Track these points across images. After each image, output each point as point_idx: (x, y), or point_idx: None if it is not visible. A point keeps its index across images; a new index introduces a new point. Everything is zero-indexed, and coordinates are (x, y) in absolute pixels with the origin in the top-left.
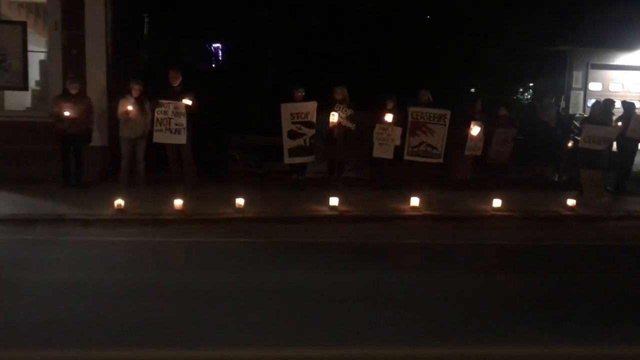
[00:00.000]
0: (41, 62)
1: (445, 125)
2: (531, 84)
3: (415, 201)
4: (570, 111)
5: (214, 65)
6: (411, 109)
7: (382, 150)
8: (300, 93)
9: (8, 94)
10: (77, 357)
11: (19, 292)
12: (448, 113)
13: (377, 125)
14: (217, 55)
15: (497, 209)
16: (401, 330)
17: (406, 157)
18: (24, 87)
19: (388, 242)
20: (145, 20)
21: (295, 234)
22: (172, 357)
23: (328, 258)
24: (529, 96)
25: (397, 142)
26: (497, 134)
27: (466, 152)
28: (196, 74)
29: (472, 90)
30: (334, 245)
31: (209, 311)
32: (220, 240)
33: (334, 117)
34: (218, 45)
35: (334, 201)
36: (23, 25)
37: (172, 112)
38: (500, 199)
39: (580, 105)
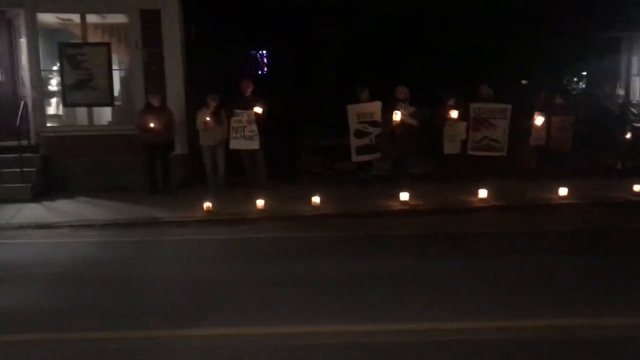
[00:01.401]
0: (122, 79)
1: (506, 119)
2: (584, 72)
3: (483, 193)
4: (630, 98)
5: (259, 72)
6: (472, 105)
7: (451, 146)
8: (365, 94)
9: (95, 111)
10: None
11: (152, 285)
12: (509, 107)
13: (446, 123)
14: (262, 62)
15: (564, 197)
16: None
17: (470, 152)
18: (110, 103)
19: (464, 232)
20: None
21: (373, 228)
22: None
23: (411, 248)
24: (583, 84)
25: (463, 136)
26: (554, 122)
27: (531, 143)
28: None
29: (524, 82)
30: (411, 237)
31: (333, 295)
32: (304, 235)
33: (397, 116)
34: (263, 51)
35: (404, 196)
36: (108, 46)
37: (246, 120)
38: (566, 187)
39: (638, 92)
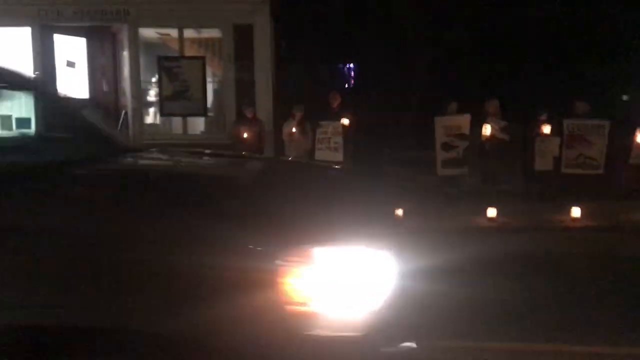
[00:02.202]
0: (214, 91)
1: (604, 135)
2: None
3: (576, 212)
4: None
5: (346, 86)
6: (566, 122)
7: (543, 163)
8: (453, 106)
9: (188, 121)
10: None
11: None
12: (606, 123)
13: (537, 138)
14: (351, 76)
15: None
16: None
17: (564, 170)
18: (204, 113)
19: (555, 253)
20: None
21: (457, 247)
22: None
23: (500, 272)
24: None
25: (556, 152)
26: None
27: (630, 161)
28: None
29: (625, 97)
30: (497, 258)
31: None
32: None
33: (486, 129)
34: (351, 65)
35: (491, 212)
36: (203, 59)
37: (332, 131)
38: None
39: None
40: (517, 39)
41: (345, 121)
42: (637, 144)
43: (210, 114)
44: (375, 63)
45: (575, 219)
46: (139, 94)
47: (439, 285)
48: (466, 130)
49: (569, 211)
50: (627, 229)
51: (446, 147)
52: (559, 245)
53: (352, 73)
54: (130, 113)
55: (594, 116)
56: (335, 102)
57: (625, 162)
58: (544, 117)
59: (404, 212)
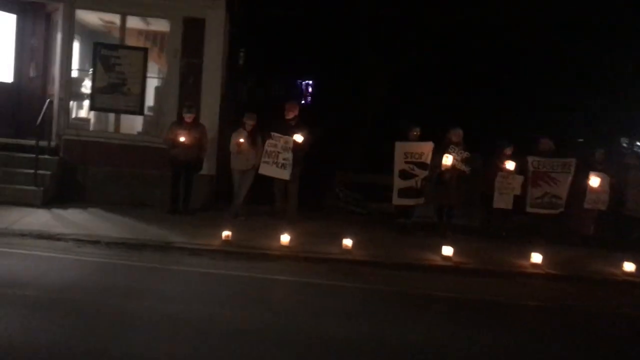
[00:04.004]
0: (156, 89)
1: (570, 173)
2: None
3: (536, 257)
4: None
5: (302, 102)
6: (531, 159)
7: (503, 200)
8: (416, 132)
9: (123, 118)
10: None
11: (132, 323)
12: (573, 161)
13: (499, 174)
14: (307, 91)
15: (630, 274)
16: None
17: (529, 210)
18: (140, 111)
19: (509, 302)
20: (241, 53)
21: (407, 284)
22: None
23: (448, 314)
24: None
25: (518, 191)
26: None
27: (585, 205)
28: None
29: (581, 140)
30: (448, 300)
31: None
32: (329, 283)
33: (448, 159)
34: (308, 81)
35: (447, 251)
36: (145, 51)
37: (282, 146)
38: (635, 262)
39: None
40: (487, 63)
41: (298, 138)
42: (592, 187)
43: (149, 113)
44: (331, 80)
45: (534, 265)
46: (69, 82)
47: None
48: (427, 158)
49: (527, 255)
50: (588, 279)
51: (404, 174)
52: (513, 292)
53: (307, 89)
54: (56, 103)
55: (556, 155)
56: (292, 114)
57: (581, 205)
58: (508, 151)
59: (354, 243)
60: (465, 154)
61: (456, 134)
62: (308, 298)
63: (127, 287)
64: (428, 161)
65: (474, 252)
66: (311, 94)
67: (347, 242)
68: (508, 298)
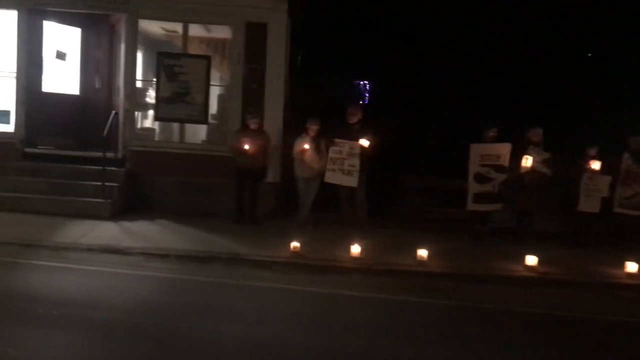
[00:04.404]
0: (219, 97)
1: None
2: None
3: (632, 266)
4: None
5: (361, 102)
6: (626, 156)
7: (589, 203)
8: (492, 133)
9: (187, 128)
10: None
11: (203, 344)
12: None
13: (584, 175)
14: (365, 93)
15: None
16: None
17: (617, 210)
18: (204, 120)
19: (605, 319)
20: (299, 56)
21: (491, 299)
22: None
23: (541, 335)
24: None
25: (605, 193)
26: None
27: None
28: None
29: None
30: (537, 317)
31: None
32: (405, 299)
33: (527, 161)
34: (365, 82)
35: (531, 260)
36: (207, 59)
37: (347, 152)
38: None
39: None
40: (572, 59)
41: (364, 142)
42: None
43: (213, 121)
44: (394, 80)
45: (630, 275)
46: (133, 93)
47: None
48: (505, 161)
49: (620, 263)
50: None
51: (480, 178)
52: (611, 308)
53: (367, 90)
54: (121, 114)
55: None
56: (355, 118)
57: None
58: (593, 151)
59: (429, 254)
60: (546, 155)
61: (536, 134)
62: (382, 317)
63: (200, 305)
64: (506, 164)
65: (559, 261)
66: (369, 95)
67: (422, 253)
68: (604, 314)
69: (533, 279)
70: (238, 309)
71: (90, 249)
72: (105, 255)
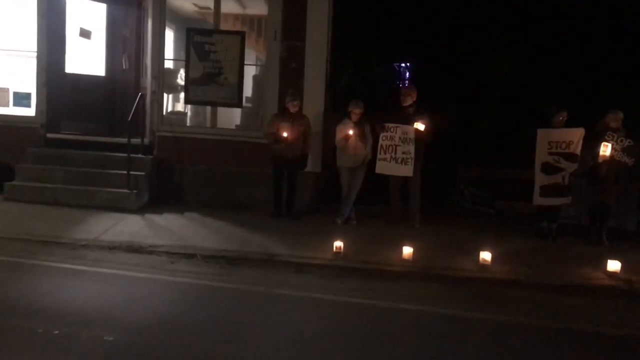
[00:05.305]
0: (254, 78)
1: None
2: None
3: None
4: None
5: (399, 85)
6: None
7: None
8: (562, 117)
9: (220, 112)
10: None
11: None
12: None
13: None
14: (404, 75)
15: None
16: None
17: None
18: (239, 103)
19: None
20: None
21: (570, 314)
22: None
23: None
24: None
25: None
26: None
27: None
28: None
29: None
30: (625, 341)
31: None
32: (471, 316)
33: (606, 149)
34: (405, 64)
35: (614, 265)
36: (242, 35)
37: (400, 138)
38: None
39: None
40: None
41: (420, 126)
42: None
43: (247, 105)
44: (441, 60)
45: None
46: (162, 74)
47: None
48: (577, 148)
49: None
50: None
51: (548, 168)
52: None
53: (407, 72)
54: (148, 97)
55: None
56: (410, 100)
57: None
58: None
59: (492, 257)
60: (628, 142)
61: (615, 118)
62: (440, 340)
63: (226, 323)
64: (577, 152)
65: None
66: (410, 78)
67: (485, 256)
68: None
69: (619, 289)
70: (266, 328)
71: (111, 247)
72: (127, 255)
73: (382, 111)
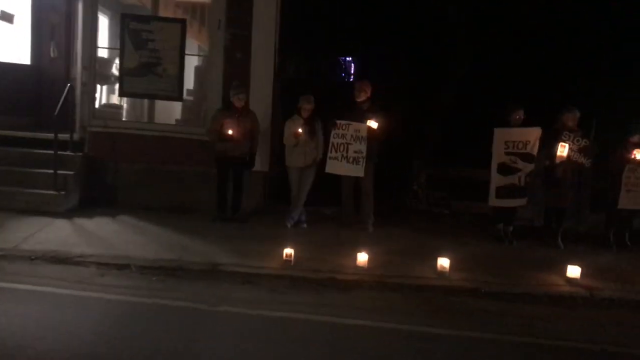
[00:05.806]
0: (196, 69)
1: None
2: None
3: None
4: None
5: (346, 80)
6: None
7: (631, 199)
8: (519, 116)
9: (158, 105)
10: None
11: None
12: None
13: (627, 167)
14: (349, 69)
15: None
16: None
17: None
18: (179, 97)
19: None
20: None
21: (534, 326)
22: None
23: None
24: None
25: None
26: None
27: None
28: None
29: None
30: (599, 356)
31: None
32: (427, 331)
33: (563, 150)
34: (349, 58)
35: (573, 271)
36: (182, 23)
37: (352, 136)
38: None
39: None
40: (610, 25)
41: (373, 124)
42: None
43: (189, 98)
44: (392, 57)
45: None
46: (93, 63)
47: None
48: (534, 148)
49: None
50: None
51: (504, 169)
52: None
53: (351, 67)
54: (78, 88)
55: None
56: (364, 96)
57: None
58: (637, 138)
59: (450, 263)
60: (584, 142)
61: (572, 117)
62: None
63: (162, 351)
64: (534, 152)
65: (606, 272)
66: (354, 74)
67: (443, 262)
68: None
69: (580, 296)
70: (208, 356)
71: (32, 257)
72: (50, 267)
73: (331, 104)
